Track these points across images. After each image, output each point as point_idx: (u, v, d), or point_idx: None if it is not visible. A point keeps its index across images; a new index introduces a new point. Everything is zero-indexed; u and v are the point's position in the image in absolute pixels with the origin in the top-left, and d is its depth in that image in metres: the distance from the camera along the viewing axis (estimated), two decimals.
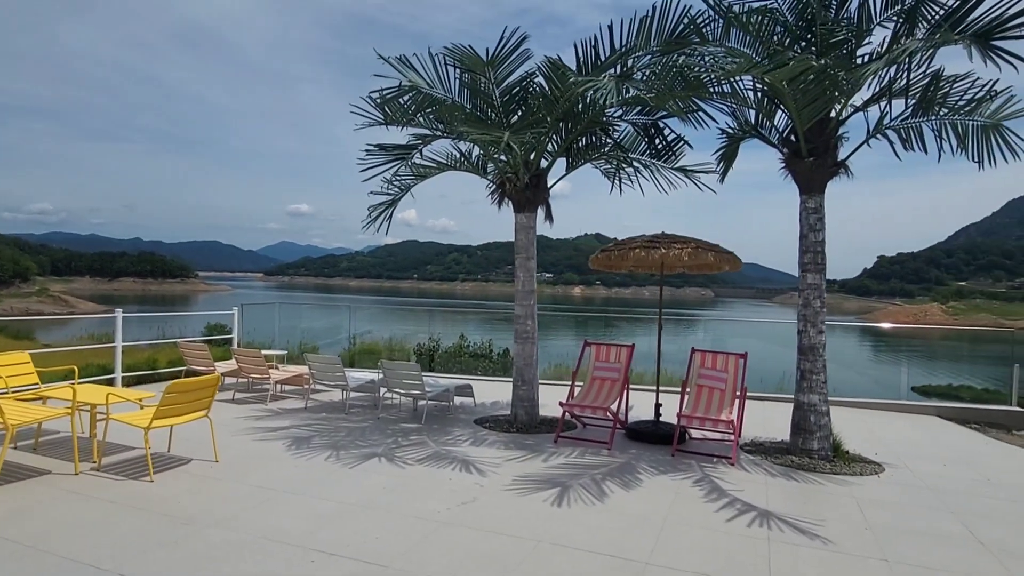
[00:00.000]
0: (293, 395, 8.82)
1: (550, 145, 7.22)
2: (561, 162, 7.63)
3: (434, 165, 7.71)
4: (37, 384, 6.28)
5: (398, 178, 7.61)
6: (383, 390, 8.13)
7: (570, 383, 7.04)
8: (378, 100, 6.50)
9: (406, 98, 6.51)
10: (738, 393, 6.31)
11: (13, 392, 5.74)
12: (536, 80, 6.60)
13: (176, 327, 18.59)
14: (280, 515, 4.18)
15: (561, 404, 6.64)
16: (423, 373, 7.53)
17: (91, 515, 4.08)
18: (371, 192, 7.81)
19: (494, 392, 9.30)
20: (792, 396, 6.20)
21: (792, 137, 6.23)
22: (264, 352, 9.03)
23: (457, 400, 8.38)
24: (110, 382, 8.64)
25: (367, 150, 6.80)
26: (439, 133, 6.95)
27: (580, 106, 6.73)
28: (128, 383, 8.91)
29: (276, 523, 4.03)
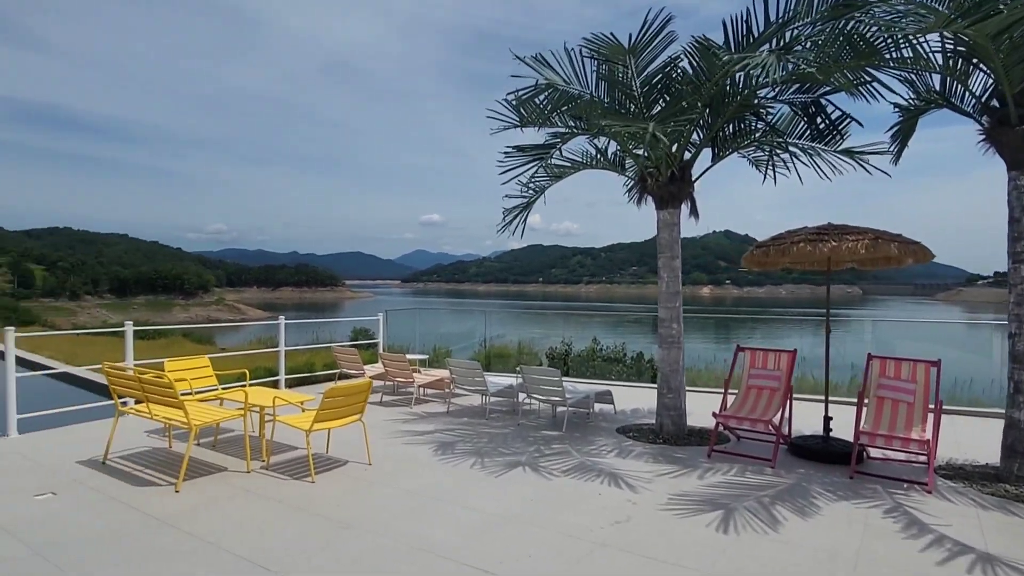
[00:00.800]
0: (435, 399, 9.00)
1: (695, 135, 6.71)
2: (705, 153, 7.09)
3: (569, 164, 7.49)
4: (215, 386, 6.89)
5: (533, 180, 7.49)
6: (522, 395, 8.04)
7: (716, 390, 6.47)
8: (514, 102, 6.40)
9: (542, 97, 6.34)
10: (931, 407, 5.41)
11: (196, 393, 6.32)
12: (680, 65, 6.15)
13: (327, 331, 20.11)
14: (431, 524, 4.14)
15: (715, 415, 6.11)
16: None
17: (261, 514, 4.30)
18: (506, 196, 7.76)
19: (632, 398, 8.89)
20: (998, 411, 5.20)
21: (995, 103, 5.25)
22: (407, 356, 9.33)
23: (596, 407, 8.08)
24: (275, 383, 9.35)
25: (505, 152, 6.74)
26: (576, 131, 6.71)
27: (730, 88, 6.18)
28: (290, 384, 9.60)
29: (427, 532, 3.99)
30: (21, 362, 13.51)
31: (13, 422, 6.35)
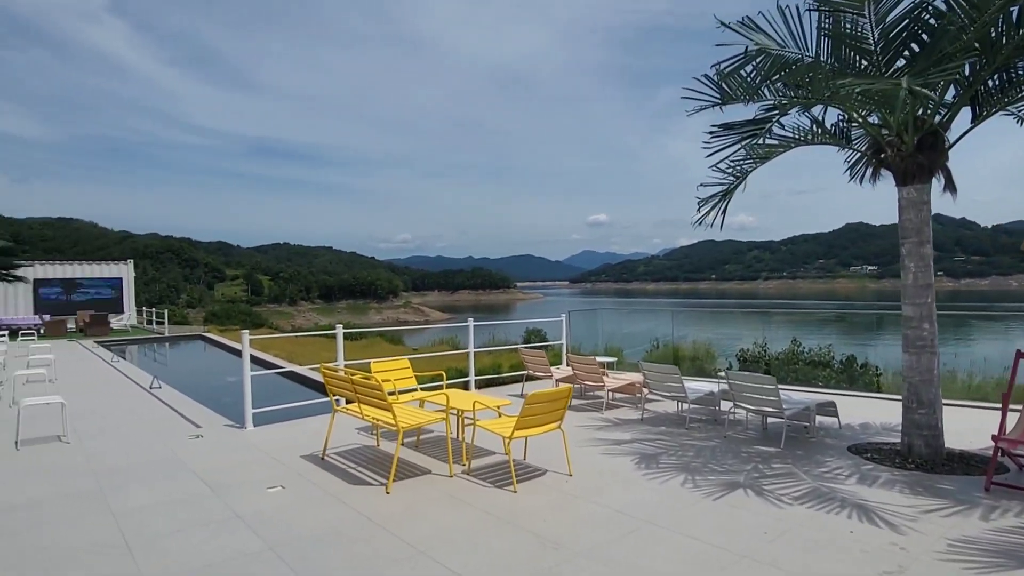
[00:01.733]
0: (624, 403, 8.51)
1: (950, 92, 5.46)
2: (961, 117, 5.74)
3: (778, 143, 6.55)
4: (415, 387, 7.09)
5: (735, 164, 6.67)
6: (725, 404, 7.24)
7: (966, 404, 5.15)
8: (715, 76, 5.70)
9: (749, 67, 5.57)
10: None
11: (399, 393, 6.52)
12: (934, 4, 5.00)
13: (502, 332, 20.58)
14: (651, 554, 3.67)
15: (994, 438, 4.86)
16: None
17: (468, 523, 4.16)
18: (701, 184, 7.01)
19: (855, 410, 7.61)
20: None
21: None
22: (596, 359, 8.96)
23: (816, 419, 7.00)
24: (465, 385, 9.53)
25: (710, 132, 6.04)
26: (796, 99, 5.80)
27: (1004, 27, 4.89)
28: (479, 386, 9.73)
29: (650, 565, 3.53)
30: (255, 360, 15.50)
31: (249, 416, 7.07)
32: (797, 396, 7.19)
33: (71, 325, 24.54)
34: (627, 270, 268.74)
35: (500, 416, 5.58)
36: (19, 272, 24.65)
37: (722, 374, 7.44)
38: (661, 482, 5.01)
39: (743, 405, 6.68)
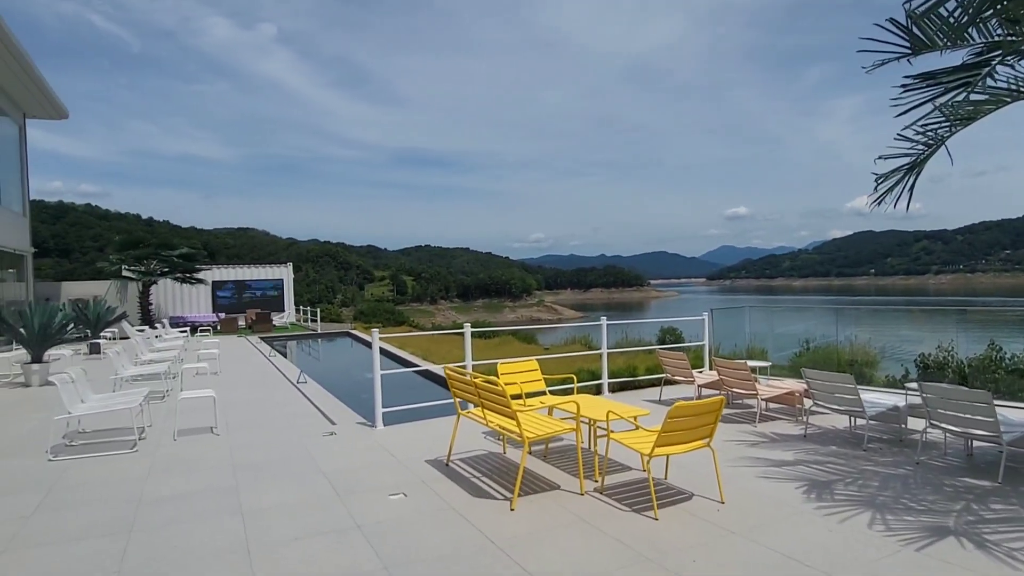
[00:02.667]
0: (781, 415, 7.43)
1: None
2: None
3: (986, 97, 5.22)
4: (544, 390, 6.63)
5: (927, 128, 5.43)
6: (912, 420, 5.99)
7: None
8: (906, 18, 4.61)
9: (952, 4, 4.42)
10: None
11: (527, 396, 6.10)
12: None
13: (635, 332, 19.61)
14: None
15: None
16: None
17: (599, 556, 3.59)
18: (880, 157, 5.83)
19: None
20: None
21: None
22: (747, 363, 7.96)
23: None
24: (597, 388, 8.93)
25: (903, 85, 4.92)
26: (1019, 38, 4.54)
27: None
28: (612, 389, 9.09)
29: None
30: (393, 358, 16.03)
31: (379, 415, 7.02)
32: (1017, 417, 5.76)
33: (241, 322, 27.26)
34: (770, 265, 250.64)
35: (637, 427, 4.94)
36: (200, 275, 27.92)
37: (912, 385, 6.17)
38: (841, 519, 4.09)
39: (942, 424, 5.43)
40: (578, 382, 8.90)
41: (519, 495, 4.53)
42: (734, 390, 7.64)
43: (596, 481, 4.88)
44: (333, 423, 7.34)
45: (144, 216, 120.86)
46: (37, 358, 11.08)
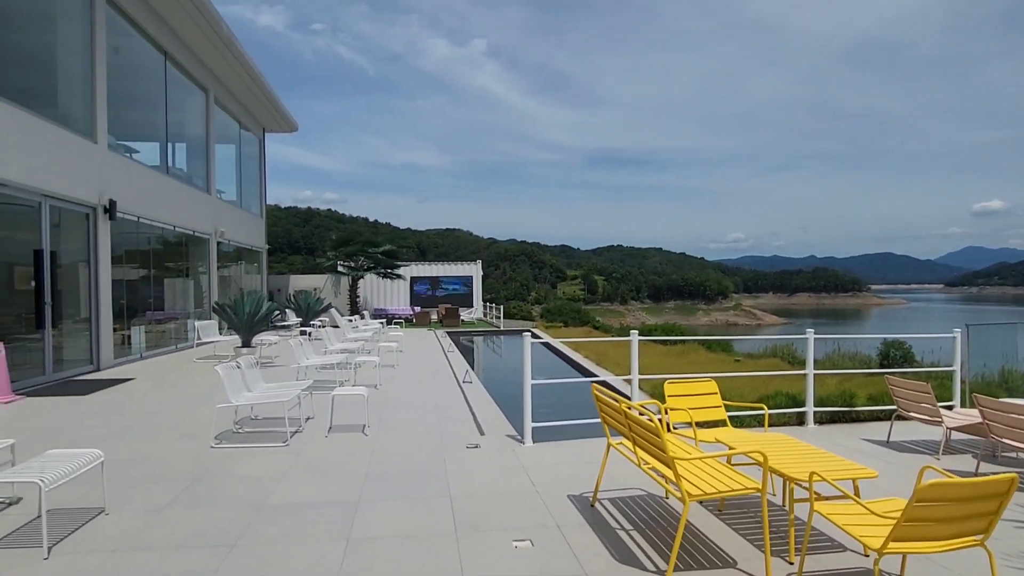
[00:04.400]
0: None
1: None
2: None
3: None
4: (723, 421, 5.29)
5: None
6: None
7: None
8: None
9: None
10: None
11: (698, 427, 4.84)
12: None
13: (850, 346, 16.46)
14: None
15: None
16: None
17: None
18: None
19: None
20: None
21: None
22: (1013, 401, 5.76)
23: None
24: (800, 418, 7.20)
25: None
26: None
27: None
28: (820, 421, 7.27)
29: None
30: (565, 359, 15.30)
31: (528, 430, 6.24)
32: None
33: (434, 316, 28.78)
34: None
35: (857, 496, 3.47)
36: (399, 271, 30.05)
37: None
38: None
39: None
40: (776, 408, 7.27)
41: (675, 569, 3.38)
42: (1005, 440, 5.49)
43: (791, 563, 3.51)
44: (482, 433, 6.73)
45: (371, 219, 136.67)
46: (246, 343, 12.29)
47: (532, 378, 6.37)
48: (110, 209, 12.04)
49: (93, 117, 11.97)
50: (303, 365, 9.77)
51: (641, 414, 3.78)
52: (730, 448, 4.19)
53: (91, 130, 11.88)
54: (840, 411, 7.47)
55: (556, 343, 17.36)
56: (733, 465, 4.25)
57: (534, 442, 6.21)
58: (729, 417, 5.36)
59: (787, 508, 3.97)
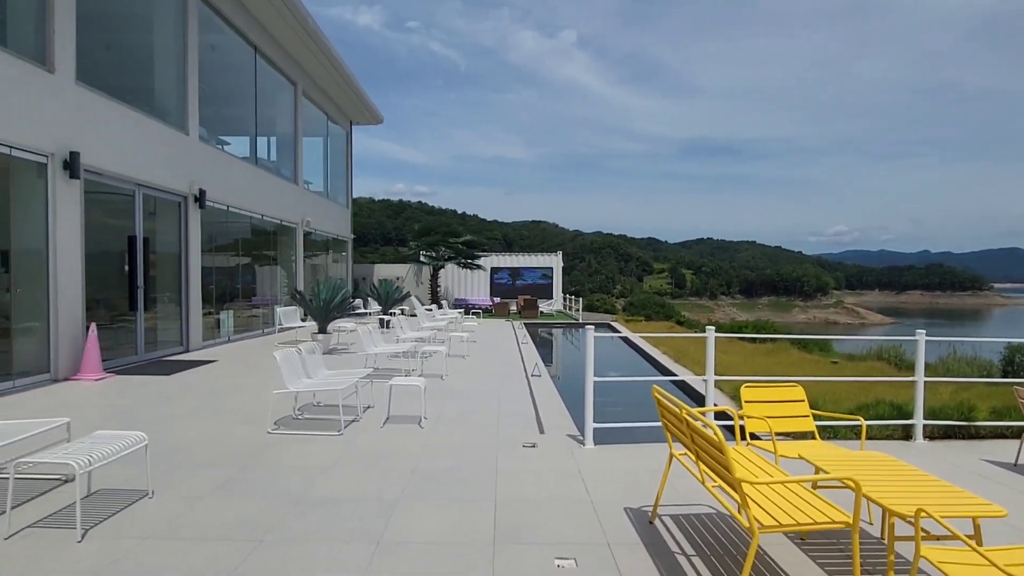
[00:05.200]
0: None
1: None
2: None
3: None
4: (811, 432, 4.61)
5: None
6: None
7: None
8: None
9: None
10: None
11: (778, 438, 4.22)
12: None
13: (971, 350, 14.61)
14: None
15: None
16: None
17: None
18: None
19: None
20: None
21: None
22: None
23: None
24: (906, 431, 6.29)
25: None
26: None
27: None
28: (931, 435, 6.32)
29: None
30: (643, 355, 14.62)
31: (589, 431, 5.78)
32: None
33: (513, 307, 28.65)
34: None
35: (978, 539, 2.79)
36: (479, 261, 30.13)
37: None
38: None
39: None
40: (877, 419, 6.39)
41: None
42: None
43: None
44: (541, 431, 6.34)
45: (459, 211, 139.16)
46: (322, 329, 12.54)
47: (597, 375, 5.88)
48: (200, 198, 12.62)
49: (185, 110, 12.56)
50: (370, 353, 9.76)
51: (708, 424, 3.25)
52: (816, 468, 3.56)
53: (183, 123, 12.46)
54: (956, 425, 6.46)
55: (635, 338, 16.65)
56: (820, 487, 3.63)
57: (595, 444, 5.75)
58: (819, 427, 4.67)
59: (885, 544, 3.31)
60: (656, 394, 3.90)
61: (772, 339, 15.82)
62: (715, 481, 3.28)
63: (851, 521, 2.80)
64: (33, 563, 3.27)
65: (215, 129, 15.21)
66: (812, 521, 2.79)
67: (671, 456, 3.98)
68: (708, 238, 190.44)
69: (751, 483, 2.85)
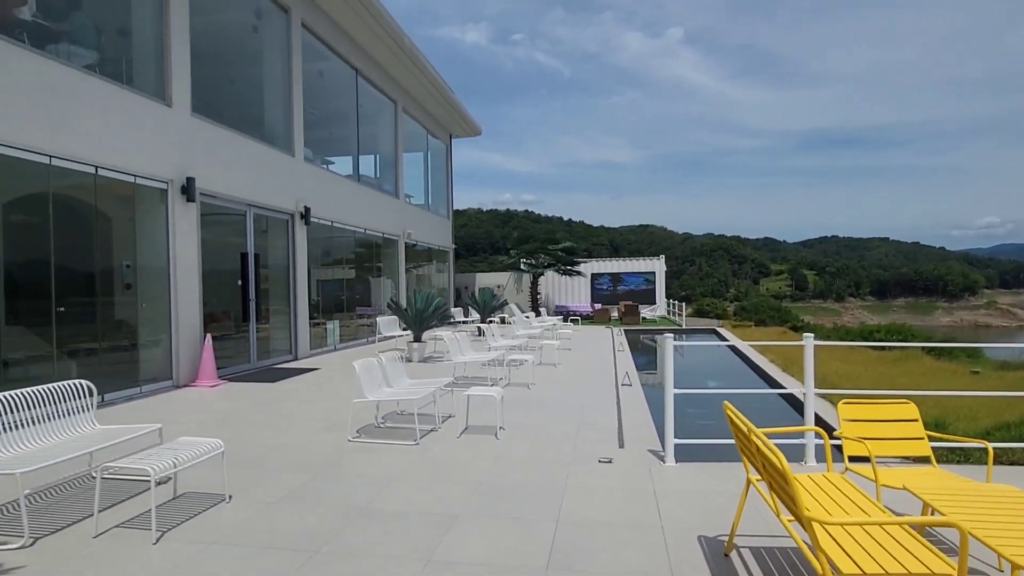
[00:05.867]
0: None
1: None
2: None
3: None
4: (927, 458, 3.96)
5: None
6: None
7: None
8: None
9: None
10: None
11: (878, 465, 3.64)
12: None
13: None
14: None
15: None
16: None
17: None
18: None
19: None
20: None
21: None
22: None
23: None
24: None
25: None
26: None
27: None
28: None
29: None
30: (745, 361, 13.63)
31: (670, 448, 5.37)
32: None
33: (614, 314, 28.02)
34: None
35: None
36: (578, 268, 29.79)
37: None
38: None
39: None
40: (1010, 440, 5.43)
41: None
42: None
43: None
44: (621, 446, 6.00)
45: (565, 218, 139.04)
46: (417, 338, 12.85)
47: (691, 386, 5.48)
48: (305, 215, 13.42)
49: (291, 133, 13.42)
50: (459, 362, 9.83)
51: (770, 448, 2.84)
52: (924, 502, 3.01)
53: (289, 145, 13.33)
54: None
55: (742, 345, 15.63)
56: (917, 534, 3.06)
57: (677, 461, 5.33)
58: (943, 450, 4.00)
59: None
60: (727, 409, 3.50)
61: (893, 347, 14.08)
62: (790, 510, 2.86)
63: (956, 569, 2.30)
64: (109, 563, 3.48)
65: (321, 150, 16.17)
66: (906, 572, 2.32)
67: (748, 481, 3.55)
68: (833, 236, 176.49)
69: (821, 522, 2.41)
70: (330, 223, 15.02)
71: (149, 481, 4.69)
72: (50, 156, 7.60)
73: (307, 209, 13.48)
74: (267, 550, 3.63)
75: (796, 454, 5.36)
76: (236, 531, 3.91)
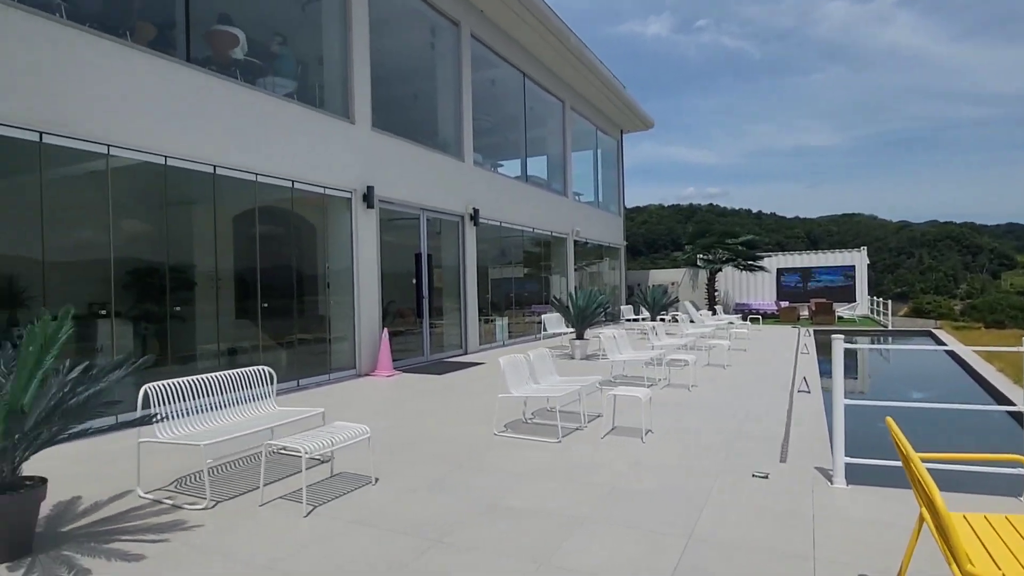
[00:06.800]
0: None
1: None
2: None
3: None
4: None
5: None
6: None
7: None
8: None
9: None
10: None
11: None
12: None
13: None
14: None
15: None
16: None
17: None
18: None
19: None
20: None
21: None
22: None
23: None
24: None
25: None
26: None
27: None
28: None
29: None
30: (967, 370, 11.45)
31: (840, 466, 4.67)
32: None
33: (804, 312, 25.41)
34: None
35: None
36: (761, 263, 27.50)
37: None
38: None
39: None
40: None
41: None
42: None
43: None
44: (783, 460, 5.37)
45: (754, 211, 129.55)
46: (579, 335, 12.81)
47: (896, 397, 4.74)
48: (474, 216, 14.09)
49: (461, 140, 14.18)
50: (617, 360, 9.59)
51: (924, 479, 2.29)
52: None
53: (460, 151, 14.09)
54: None
55: (965, 352, 13.20)
56: None
57: (848, 484, 4.62)
58: None
59: None
60: (891, 425, 2.93)
61: None
62: (940, 541, 2.27)
63: None
64: (266, 528, 3.93)
65: (491, 155, 16.88)
66: None
67: (920, 517, 2.93)
68: None
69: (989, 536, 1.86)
70: (498, 223, 15.60)
71: (317, 459, 5.26)
72: (256, 174, 8.87)
73: (476, 211, 14.14)
74: (396, 534, 3.83)
75: (1015, 487, 4.35)
76: (374, 513, 4.19)
